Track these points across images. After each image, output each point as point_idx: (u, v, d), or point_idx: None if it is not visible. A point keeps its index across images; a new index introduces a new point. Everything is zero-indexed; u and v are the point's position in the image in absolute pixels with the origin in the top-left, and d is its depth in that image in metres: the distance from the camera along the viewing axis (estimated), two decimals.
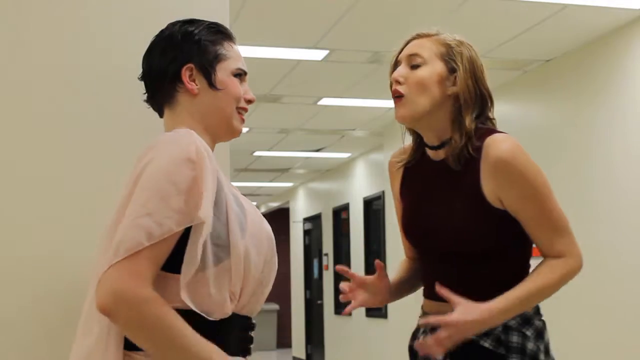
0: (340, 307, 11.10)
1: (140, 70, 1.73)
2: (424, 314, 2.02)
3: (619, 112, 5.14)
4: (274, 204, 15.79)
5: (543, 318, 1.94)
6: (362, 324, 10.04)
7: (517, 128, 5.44)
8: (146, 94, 1.71)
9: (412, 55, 1.96)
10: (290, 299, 13.87)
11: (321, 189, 12.17)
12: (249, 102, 1.70)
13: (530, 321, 1.90)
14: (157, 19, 1.86)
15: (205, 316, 1.46)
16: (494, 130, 1.91)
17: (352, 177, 10.61)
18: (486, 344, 1.86)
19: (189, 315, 1.44)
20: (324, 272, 11.85)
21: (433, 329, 1.88)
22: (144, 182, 1.44)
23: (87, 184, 2.05)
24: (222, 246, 1.48)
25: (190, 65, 1.63)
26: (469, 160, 1.90)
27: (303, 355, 12.97)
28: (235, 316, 1.53)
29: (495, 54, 5.60)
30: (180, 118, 1.64)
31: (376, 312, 9.46)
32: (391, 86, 1.99)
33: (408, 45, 2.01)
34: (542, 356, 1.88)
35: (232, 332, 1.53)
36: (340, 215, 11.19)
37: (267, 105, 7.15)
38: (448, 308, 1.84)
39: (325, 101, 7.21)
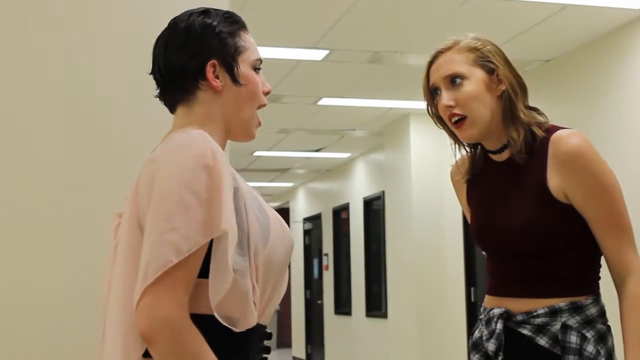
0: (340, 307, 11.10)
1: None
2: (484, 310, 1.99)
3: (619, 112, 5.14)
4: (274, 204, 15.79)
5: (608, 323, 1.88)
6: (362, 324, 10.03)
7: None
8: (159, 90, 1.60)
9: (448, 76, 1.91)
10: (290, 299, 13.87)
11: (321, 189, 12.16)
12: (266, 94, 1.63)
13: (592, 323, 1.84)
14: (157, 18, 1.86)
15: (232, 328, 1.42)
16: (559, 127, 1.90)
17: (352, 177, 10.61)
18: (542, 342, 1.82)
19: (215, 323, 1.40)
20: (324, 272, 11.84)
21: (488, 323, 1.89)
22: (163, 192, 1.37)
23: (86, 184, 2.05)
24: (243, 256, 1.42)
25: (214, 60, 1.54)
26: (535, 153, 1.88)
27: (303, 355, 12.97)
28: (257, 326, 1.49)
29: None
30: (196, 116, 1.55)
31: (376, 312, 9.46)
32: (427, 109, 1.99)
33: (435, 66, 1.95)
34: None
35: (254, 342, 1.49)
36: (340, 215, 11.19)
37: (267, 105, 7.13)
38: (504, 303, 1.87)
39: (325, 101, 7.21)
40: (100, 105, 2.11)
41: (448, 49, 1.94)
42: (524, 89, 1.94)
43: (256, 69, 1.61)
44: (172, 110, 1.60)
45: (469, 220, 2.11)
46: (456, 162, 2.11)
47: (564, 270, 1.86)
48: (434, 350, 7.59)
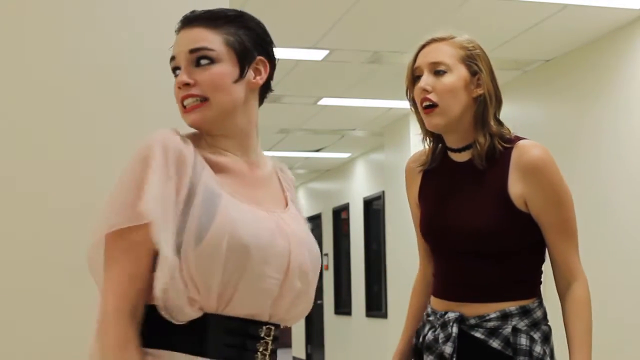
0: (340, 307, 11.10)
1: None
2: (432, 312, 2.04)
3: (619, 112, 5.13)
4: None
5: (549, 323, 1.98)
6: (362, 324, 10.04)
7: (517, 128, 5.42)
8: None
9: (435, 63, 1.97)
10: None
11: (321, 189, 12.17)
12: (179, 88, 1.56)
13: (538, 325, 1.94)
14: (157, 19, 1.86)
15: (170, 320, 1.45)
16: (521, 137, 1.98)
17: (352, 177, 10.61)
18: (495, 344, 1.90)
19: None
20: (324, 272, 11.84)
21: (443, 326, 1.95)
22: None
23: (86, 185, 2.05)
24: (176, 251, 1.45)
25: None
26: (496, 161, 1.94)
27: (303, 355, 12.97)
28: (213, 317, 1.48)
29: (495, 54, 5.56)
30: None
31: (376, 312, 9.46)
32: (406, 92, 2.05)
33: (424, 51, 2.01)
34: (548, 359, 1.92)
35: (211, 333, 1.48)
36: (340, 215, 11.19)
37: (267, 105, 7.09)
38: (456, 308, 1.94)
39: (325, 101, 7.21)
40: (101, 106, 2.11)
41: (442, 39, 1.99)
42: (499, 101, 2.00)
43: (175, 70, 1.58)
44: None
45: (412, 215, 2.16)
46: (415, 153, 2.17)
47: (513, 274, 1.95)
48: None
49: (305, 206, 13.04)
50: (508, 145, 1.94)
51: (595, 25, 5.09)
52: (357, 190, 10.37)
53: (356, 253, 10.29)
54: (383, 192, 8.87)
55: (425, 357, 2.02)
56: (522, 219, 1.92)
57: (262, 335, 1.53)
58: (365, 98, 7.16)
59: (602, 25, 5.10)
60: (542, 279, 2.01)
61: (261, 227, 1.53)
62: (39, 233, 2.03)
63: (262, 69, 1.61)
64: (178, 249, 1.44)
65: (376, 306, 9.52)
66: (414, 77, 2.02)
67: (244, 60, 1.57)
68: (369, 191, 9.88)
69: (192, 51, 1.53)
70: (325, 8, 4.80)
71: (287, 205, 1.67)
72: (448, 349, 1.93)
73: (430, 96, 1.95)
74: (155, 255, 1.44)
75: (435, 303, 2.05)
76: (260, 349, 1.53)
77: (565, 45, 5.51)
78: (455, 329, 1.93)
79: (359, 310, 10.15)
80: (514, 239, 1.93)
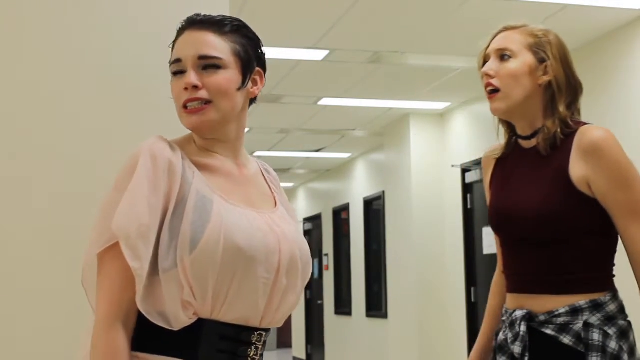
0: (340, 307, 11.10)
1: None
2: (505, 311, 2.02)
3: (619, 112, 5.14)
4: None
5: (629, 318, 1.92)
6: (362, 324, 10.04)
7: None
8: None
9: (500, 49, 2.00)
10: None
11: (321, 189, 12.17)
12: (185, 89, 1.55)
13: (613, 320, 1.88)
14: (157, 19, 1.86)
15: (164, 326, 1.45)
16: (586, 123, 1.97)
17: (352, 177, 10.61)
18: (566, 340, 1.86)
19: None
20: (324, 272, 11.85)
21: (511, 325, 1.92)
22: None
23: (86, 185, 2.05)
24: (169, 256, 1.47)
25: None
26: (559, 146, 1.94)
27: (303, 355, 12.97)
28: (207, 323, 1.49)
29: None
30: None
31: (376, 312, 9.46)
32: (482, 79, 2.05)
33: (495, 39, 2.05)
34: (625, 357, 1.85)
35: (204, 338, 1.48)
36: (341, 215, 11.19)
37: (267, 105, 7.15)
38: (525, 301, 1.92)
39: (325, 101, 7.21)
40: (101, 106, 2.11)
41: (514, 28, 2.04)
42: (573, 89, 2.00)
43: (176, 73, 1.58)
44: None
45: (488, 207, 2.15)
46: (492, 146, 2.19)
47: (579, 264, 1.89)
48: (434, 351, 7.59)
49: (305, 206, 13.04)
50: (571, 130, 1.94)
51: (595, 25, 5.09)
52: (357, 190, 10.37)
53: (356, 253, 10.29)
54: (383, 192, 8.87)
55: (498, 358, 1.99)
56: (585, 203, 1.88)
57: (254, 341, 1.55)
58: (365, 98, 7.15)
59: (602, 25, 5.10)
60: (614, 272, 1.94)
61: (254, 228, 1.54)
62: (39, 232, 2.03)
63: (259, 80, 1.66)
64: (172, 257, 1.46)
65: (376, 306, 9.52)
66: (485, 63, 2.06)
67: (246, 70, 1.61)
68: (369, 191, 9.88)
69: (202, 57, 1.55)
70: (325, 8, 4.80)
71: (275, 205, 1.68)
72: (517, 348, 1.90)
73: (492, 81, 1.99)
74: None
75: (508, 300, 2.03)
76: (251, 354, 1.55)
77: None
78: (523, 328, 1.90)
79: (359, 310, 10.15)
80: (576, 222, 1.88)
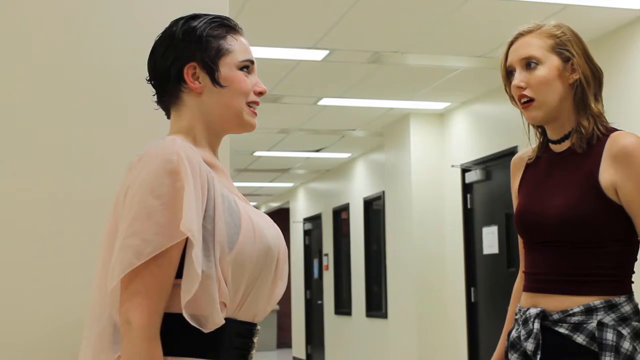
0: (340, 307, 11.10)
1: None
2: (519, 310, 2.02)
3: (619, 112, 5.13)
4: (274, 204, 15.79)
5: None
6: (362, 324, 10.04)
7: (518, 128, 5.43)
8: (155, 96, 1.67)
9: (524, 58, 1.98)
10: (291, 299, 13.87)
11: (321, 189, 12.17)
12: (260, 94, 1.65)
13: (627, 321, 1.88)
14: (157, 19, 1.86)
15: (200, 328, 1.46)
16: (618, 129, 1.96)
17: (352, 177, 10.61)
18: (579, 340, 1.86)
19: (186, 320, 1.45)
20: (324, 272, 11.85)
21: (525, 323, 1.92)
22: (130, 199, 1.45)
23: (86, 185, 2.05)
24: (209, 257, 1.47)
25: (193, 63, 1.60)
26: (591, 149, 1.93)
27: (303, 355, 12.97)
28: (231, 322, 1.51)
29: (496, 54, 5.59)
30: (182, 119, 1.62)
31: (376, 312, 9.47)
32: (505, 89, 2.05)
33: (514, 47, 2.02)
34: (639, 357, 1.84)
35: (225, 337, 1.51)
36: (341, 215, 11.19)
37: (267, 105, 7.15)
38: (541, 300, 1.92)
39: (325, 101, 7.21)
40: (101, 106, 2.11)
41: (529, 32, 2.01)
42: (598, 80, 2.00)
43: (243, 69, 1.63)
44: (168, 115, 1.67)
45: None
46: (523, 150, 2.18)
47: (599, 267, 1.89)
48: (434, 351, 7.59)
49: (305, 206, 13.05)
50: (605, 133, 1.93)
51: (595, 25, 5.09)
52: (357, 190, 10.37)
53: (356, 253, 10.29)
54: (383, 192, 8.87)
55: (509, 355, 1.99)
56: (612, 209, 1.88)
57: (254, 335, 1.59)
58: (365, 98, 7.16)
59: (602, 25, 5.10)
60: (633, 279, 1.94)
61: (269, 225, 1.60)
62: (39, 230, 2.03)
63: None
64: (210, 259, 1.46)
65: (376, 306, 9.52)
66: (508, 74, 2.04)
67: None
68: (369, 191, 9.88)
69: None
70: (325, 8, 4.80)
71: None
72: (530, 345, 1.90)
73: (526, 92, 1.97)
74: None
75: (523, 298, 2.02)
76: (252, 348, 1.59)
77: None
78: (537, 325, 1.90)
79: (359, 310, 10.15)
80: (600, 228, 1.88)
